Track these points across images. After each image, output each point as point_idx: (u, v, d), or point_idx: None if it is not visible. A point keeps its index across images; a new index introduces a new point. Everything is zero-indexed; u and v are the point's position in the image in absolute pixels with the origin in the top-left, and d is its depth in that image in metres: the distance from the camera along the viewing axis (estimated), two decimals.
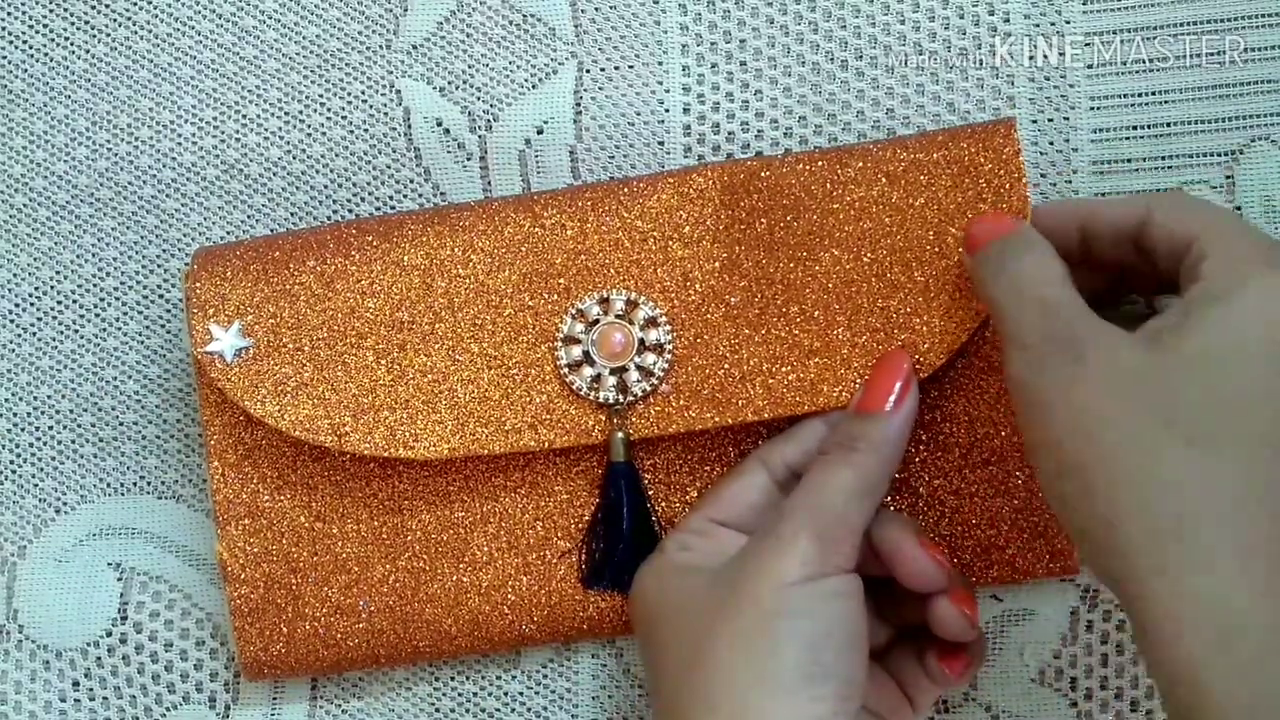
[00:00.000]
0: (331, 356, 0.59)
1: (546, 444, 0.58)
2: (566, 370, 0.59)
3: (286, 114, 0.65)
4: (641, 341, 0.58)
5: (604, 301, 0.59)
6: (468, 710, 0.64)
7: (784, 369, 0.58)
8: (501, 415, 0.59)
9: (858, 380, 0.58)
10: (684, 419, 0.58)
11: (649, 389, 0.58)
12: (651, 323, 0.59)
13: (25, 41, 0.66)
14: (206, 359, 0.59)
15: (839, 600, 0.53)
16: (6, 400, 0.66)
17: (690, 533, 0.57)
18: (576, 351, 0.59)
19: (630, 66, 0.64)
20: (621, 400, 0.58)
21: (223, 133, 0.65)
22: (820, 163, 0.59)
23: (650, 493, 0.60)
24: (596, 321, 0.59)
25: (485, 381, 0.59)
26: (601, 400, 0.58)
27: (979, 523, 0.59)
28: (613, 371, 0.58)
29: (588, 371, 0.59)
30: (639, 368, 0.58)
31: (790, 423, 0.59)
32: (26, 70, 0.66)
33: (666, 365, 0.58)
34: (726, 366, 0.58)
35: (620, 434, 0.59)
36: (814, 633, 0.51)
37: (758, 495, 0.58)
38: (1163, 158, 0.62)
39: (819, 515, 0.54)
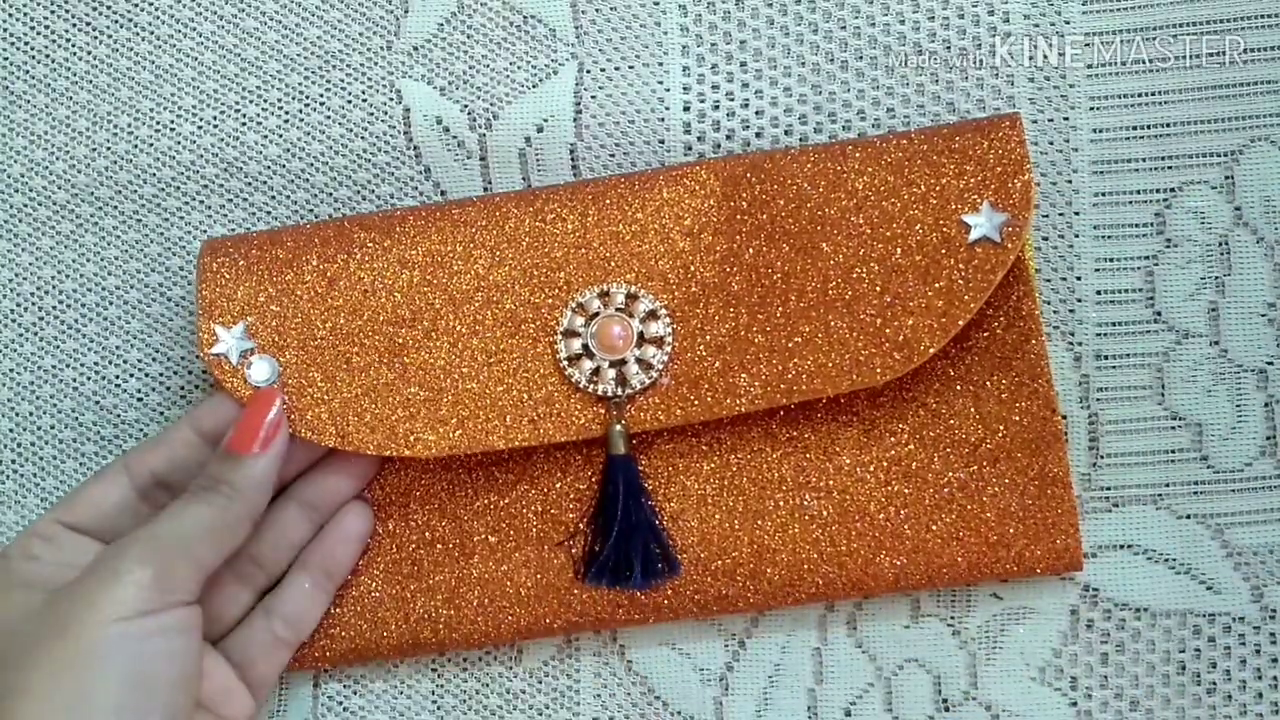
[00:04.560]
0: (334, 356, 0.59)
1: (546, 438, 0.59)
2: (566, 364, 0.59)
3: (286, 113, 0.65)
4: (641, 334, 0.59)
5: (604, 295, 0.59)
6: (470, 707, 0.64)
7: (783, 359, 0.58)
8: (502, 411, 0.59)
9: (858, 368, 0.58)
10: (683, 411, 0.58)
11: (648, 382, 0.58)
12: (652, 315, 0.59)
13: (27, 43, 0.66)
14: (213, 360, 0.59)
15: (170, 636, 0.52)
16: (9, 399, 0.66)
17: (37, 537, 0.55)
18: (576, 345, 0.59)
19: (630, 66, 0.65)
20: (620, 393, 0.58)
21: (222, 131, 0.65)
22: (822, 154, 0.59)
23: (649, 485, 0.60)
24: (596, 315, 0.59)
25: (486, 377, 0.59)
26: (601, 393, 0.59)
27: (985, 519, 0.59)
28: (612, 364, 0.59)
29: (587, 365, 0.59)
30: (638, 360, 0.58)
31: (785, 411, 0.59)
32: (28, 72, 0.66)
33: (666, 358, 0.59)
34: (726, 357, 0.58)
35: (619, 426, 0.59)
36: (138, 672, 0.50)
37: (115, 499, 0.56)
38: (1163, 158, 0.63)
39: (160, 549, 0.52)
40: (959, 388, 0.60)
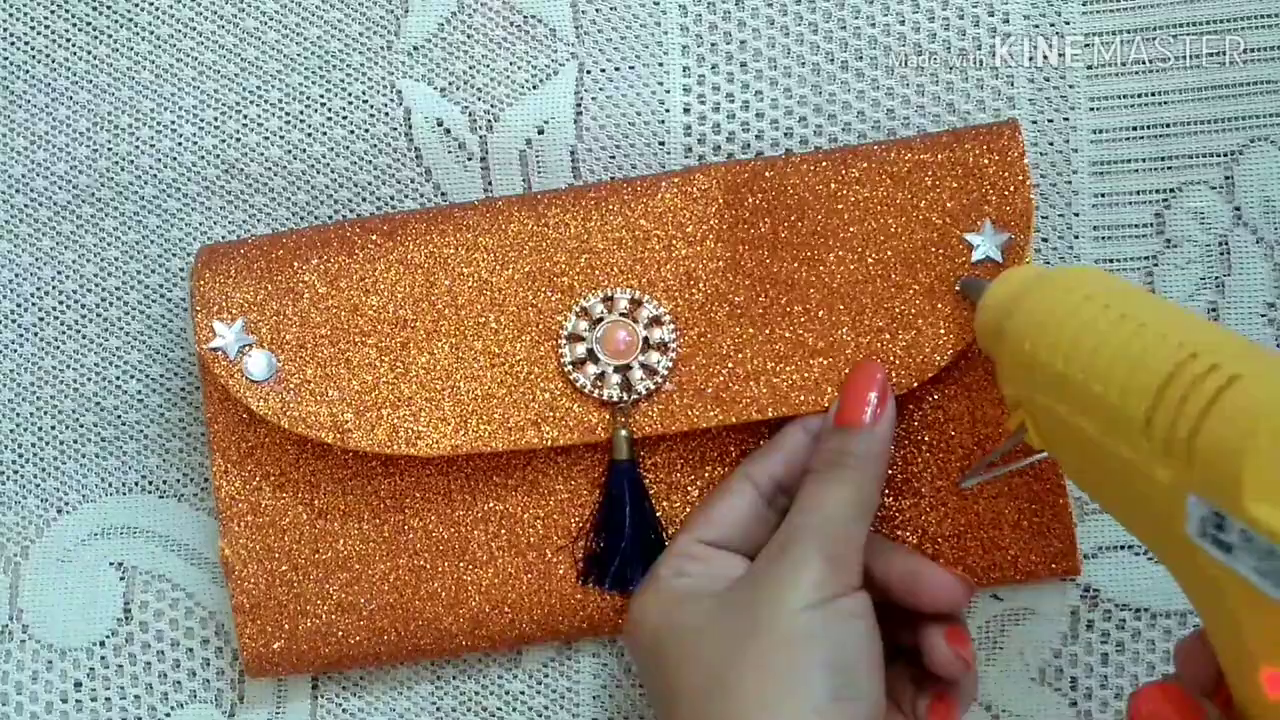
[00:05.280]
0: (334, 354, 0.59)
1: (550, 441, 0.59)
2: (570, 368, 0.59)
3: (287, 114, 0.65)
4: (646, 340, 0.59)
5: (608, 300, 0.59)
6: (469, 709, 0.64)
7: (787, 368, 0.58)
8: (504, 413, 0.59)
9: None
10: (687, 417, 0.58)
11: (653, 387, 0.58)
12: (656, 321, 0.59)
13: (27, 43, 0.66)
14: (210, 356, 0.59)
15: (856, 619, 0.53)
16: (9, 400, 0.66)
17: (683, 556, 0.57)
18: (580, 349, 0.59)
19: (630, 67, 0.65)
20: (625, 398, 0.58)
21: (223, 133, 0.65)
22: (824, 163, 0.59)
23: (652, 491, 0.60)
24: (600, 319, 0.59)
25: (488, 379, 0.59)
26: (605, 398, 0.59)
27: (982, 523, 0.59)
28: (617, 369, 0.59)
29: (591, 369, 0.59)
30: (643, 366, 0.58)
31: (781, 425, 0.59)
32: (28, 72, 0.66)
33: (670, 364, 0.59)
34: (730, 365, 0.58)
35: (623, 432, 0.59)
36: (838, 654, 0.51)
37: (747, 512, 0.57)
38: (1162, 158, 0.63)
39: (825, 536, 0.53)
40: (954, 393, 0.60)
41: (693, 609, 0.55)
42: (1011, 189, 0.58)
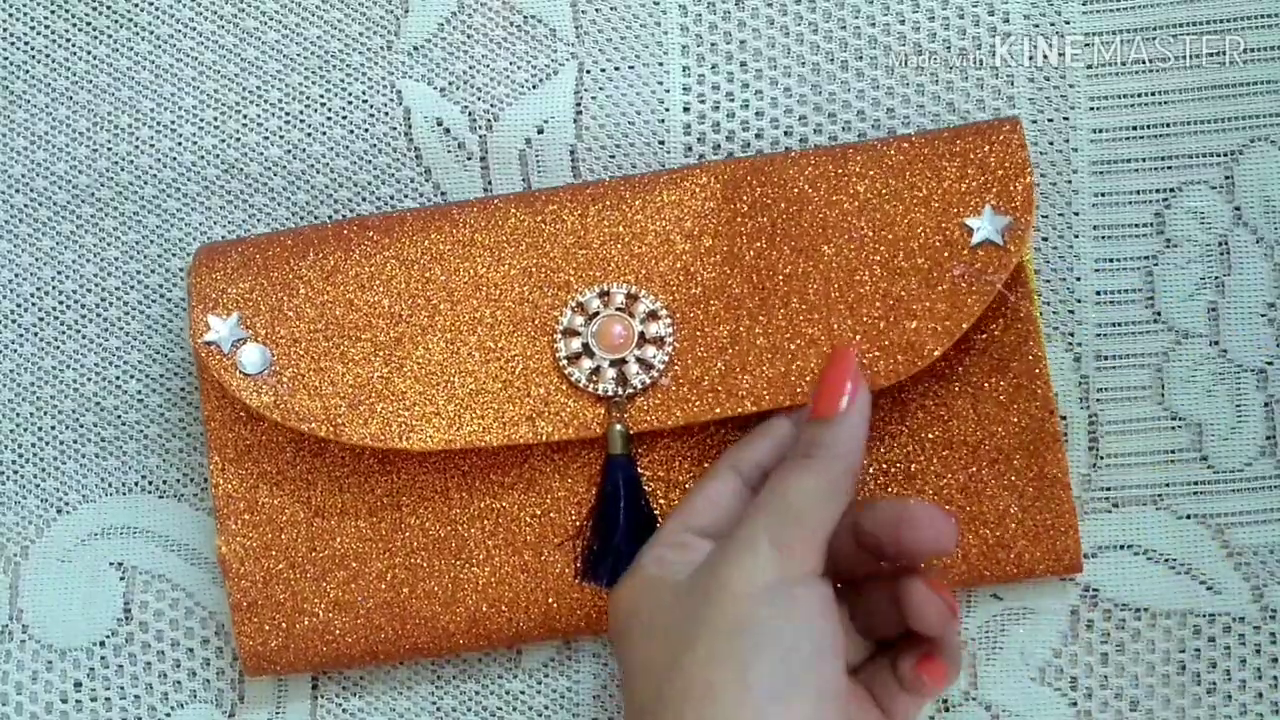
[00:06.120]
0: (328, 348, 0.59)
1: (544, 436, 0.59)
2: (565, 362, 0.59)
3: (287, 114, 0.65)
4: (642, 334, 0.59)
5: (604, 294, 0.59)
6: (469, 709, 0.64)
7: (785, 360, 0.58)
8: (499, 407, 0.59)
9: (861, 371, 0.57)
10: (684, 411, 0.58)
11: (649, 381, 0.58)
12: (652, 316, 0.59)
13: (27, 43, 0.67)
14: (204, 349, 0.59)
15: (805, 606, 0.52)
16: (9, 400, 0.66)
17: (666, 545, 0.56)
18: (576, 344, 0.59)
19: (630, 66, 0.65)
20: (621, 393, 0.58)
21: (223, 133, 0.65)
22: (823, 157, 0.59)
23: (648, 487, 0.60)
24: (596, 314, 0.59)
25: (483, 374, 0.59)
26: (601, 392, 0.59)
27: (985, 520, 0.59)
28: (612, 364, 0.59)
29: (587, 364, 0.59)
30: (639, 360, 0.58)
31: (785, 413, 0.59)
32: (28, 72, 0.66)
33: (667, 358, 0.59)
34: (727, 359, 0.58)
35: (619, 426, 0.59)
36: (781, 643, 0.51)
37: (731, 500, 0.57)
38: (1162, 158, 0.63)
39: (777, 521, 0.53)
40: (957, 389, 0.60)
41: (659, 595, 0.54)
42: (1013, 175, 0.58)
